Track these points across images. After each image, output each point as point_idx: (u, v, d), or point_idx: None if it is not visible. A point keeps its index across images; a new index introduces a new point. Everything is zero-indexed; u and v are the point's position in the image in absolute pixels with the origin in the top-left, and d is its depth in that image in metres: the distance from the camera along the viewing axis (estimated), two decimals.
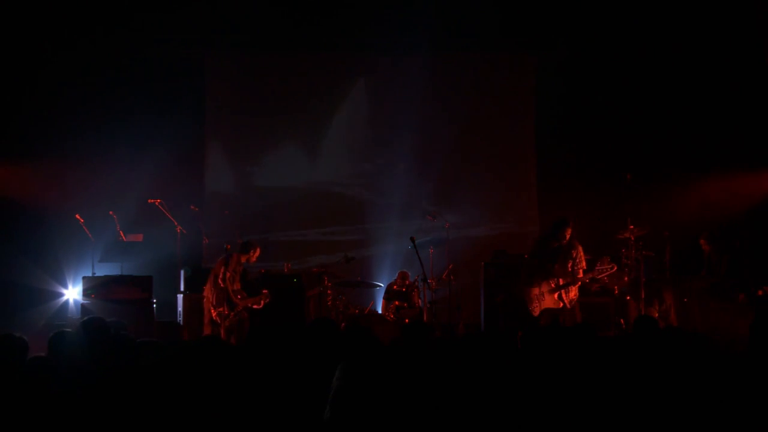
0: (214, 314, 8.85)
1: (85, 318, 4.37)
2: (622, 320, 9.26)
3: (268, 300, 9.11)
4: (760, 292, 9.01)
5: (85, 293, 8.93)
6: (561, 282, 8.35)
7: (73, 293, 10.38)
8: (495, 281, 9.77)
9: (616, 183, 10.34)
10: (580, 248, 8.46)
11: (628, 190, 9.89)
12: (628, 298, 9.35)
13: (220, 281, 8.85)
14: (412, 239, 9.23)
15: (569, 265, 8.38)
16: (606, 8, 10.92)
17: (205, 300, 9.08)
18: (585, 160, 11.64)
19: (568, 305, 8.34)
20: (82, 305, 8.90)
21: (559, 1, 11.14)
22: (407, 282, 10.27)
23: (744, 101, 10.92)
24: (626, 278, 9.34)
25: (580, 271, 8.39)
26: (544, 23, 11.31)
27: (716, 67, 11.05)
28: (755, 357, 3.71)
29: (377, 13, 10.76)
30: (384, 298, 10.39)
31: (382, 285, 10.51)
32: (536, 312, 8.41)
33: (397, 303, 10.01)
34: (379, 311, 10.42)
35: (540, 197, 11.95)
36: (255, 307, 9.03)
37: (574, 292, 8.44)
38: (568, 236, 8.41)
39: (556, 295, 8.36)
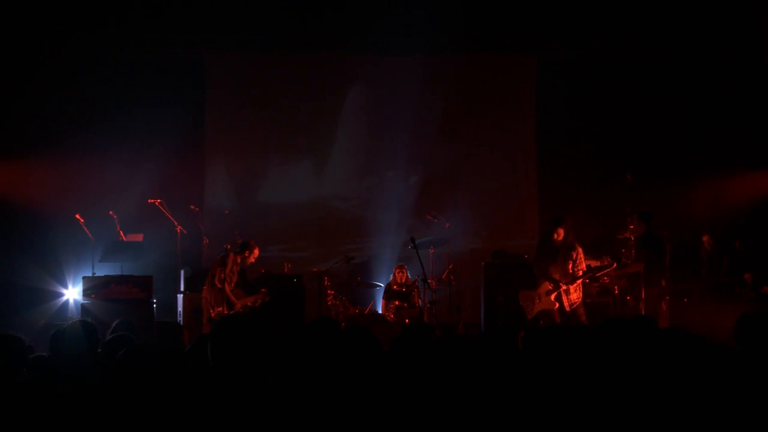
0: (212, 314, 8.91)
1: (73, 321, 4.37)
2: None
3: (267, 299, 9.17)
4: (765, 289, 9.04)
5: (85, 293, 8.93)
6: (561, 283, 8.25)
7: (73, 293, 10.37)
8: (495, 281, 9.77)
9: (616, 183, 10.35)
10: (580, 249, 8.33)
11: (628, 190, 9.89)
12: (628, 298, 9.34)
13: (216, 282, 8.94)
14: (412, 239, 9.23)
15: (569, 266, 8.26)
16: (606, 8, 10.92)
17: (203, 300, 9.16)
18: (585, 160, 11.64)
19: (567, 307, 8.15)
20: (82, 305, 8.90)
21: (559, 1, 11.13)
22: (404, 274, 10.26)
23: (744, 101, 10.93)
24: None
25: (580, 272, 8.29)
26: (544, 23, 11.31)
27: (716, 67, 11.06)
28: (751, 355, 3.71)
29: (376, 14, 10.75)
30: (384, 298, 10.39)
31: (381, 285, 10.51)
32: (530, 315, 8.35)
33: (397, 303, 10.02)
34: (379, 311, 10.42)
35: (540, 197, 11.94)
36: (252, 305, 9.11)
37: (576, 294, 8.24)
38: (562, 235, 8.27)
39: (553, 297, 8.24)
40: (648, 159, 11.23)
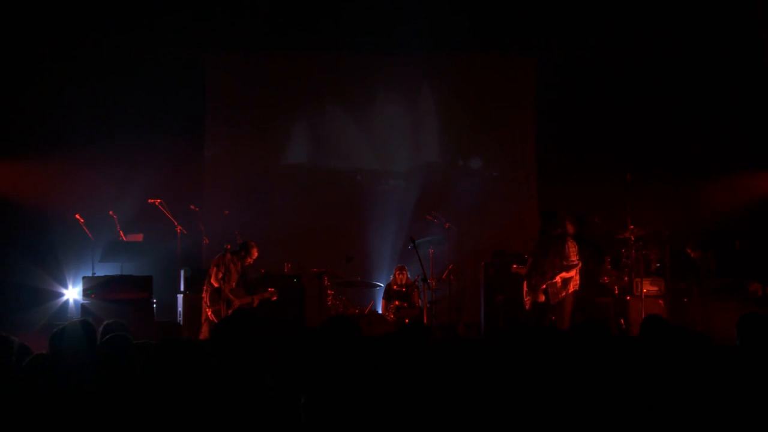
0: (209, 313, 8.98)
1: (73, 321, 4.36)
2: (622, 320, 9.26)
3: (274, 298, 9.27)
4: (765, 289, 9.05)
5: (85, 293, 8.92)
6: (548, 276, 8.24)
7: (73, 293, 10.37)
8: (495, 281, 9.77)
9: (616, 183, 10.35)
10: (571, 243, 8.29)
11: (628, 190, 9.89)
12: (628, 298, 9.35)
13: (213, 281, 9.02)
14: (412, 239, 9.24)
15: (557, 260, 8.22)
16: (605, 8, 10.92)
17: (203, 300, 9.19)
18: (585, 160, 11.63)
19: (552, 300, 8.10)
20: (82, 305, 8.90)
21: (559, 2, 11.14)
22: (405, 276, 10.26)
23: (745, 101, 10.93)
24: (626, 278, 9.35)
25: (570, 264, 8.28)
26: (544, 24, 11.31)
27: (716, 68, 11.05)
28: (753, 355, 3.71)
29: (376, 13, 10.76)
30: (384, 298, 10.39)
31: (381, 285, 10.52)
32: (528, 306, 8.35)
33: (397, 303, 10.02)
34: (379, 311, 10.42)
35: (540, 197, 11.94)
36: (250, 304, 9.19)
37: (563, 288, 8.17)
38: (557, 229, 8.30)
39: (540, 290, 8.27)
40: (648, 159, 11.22)
